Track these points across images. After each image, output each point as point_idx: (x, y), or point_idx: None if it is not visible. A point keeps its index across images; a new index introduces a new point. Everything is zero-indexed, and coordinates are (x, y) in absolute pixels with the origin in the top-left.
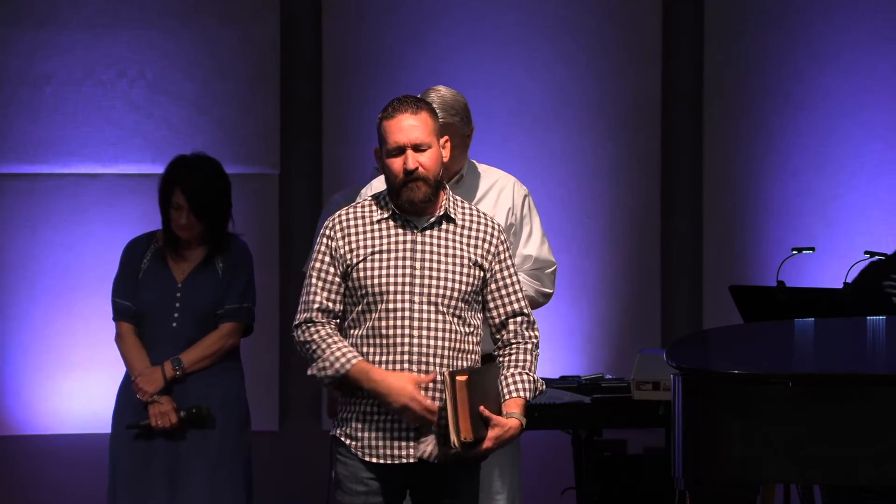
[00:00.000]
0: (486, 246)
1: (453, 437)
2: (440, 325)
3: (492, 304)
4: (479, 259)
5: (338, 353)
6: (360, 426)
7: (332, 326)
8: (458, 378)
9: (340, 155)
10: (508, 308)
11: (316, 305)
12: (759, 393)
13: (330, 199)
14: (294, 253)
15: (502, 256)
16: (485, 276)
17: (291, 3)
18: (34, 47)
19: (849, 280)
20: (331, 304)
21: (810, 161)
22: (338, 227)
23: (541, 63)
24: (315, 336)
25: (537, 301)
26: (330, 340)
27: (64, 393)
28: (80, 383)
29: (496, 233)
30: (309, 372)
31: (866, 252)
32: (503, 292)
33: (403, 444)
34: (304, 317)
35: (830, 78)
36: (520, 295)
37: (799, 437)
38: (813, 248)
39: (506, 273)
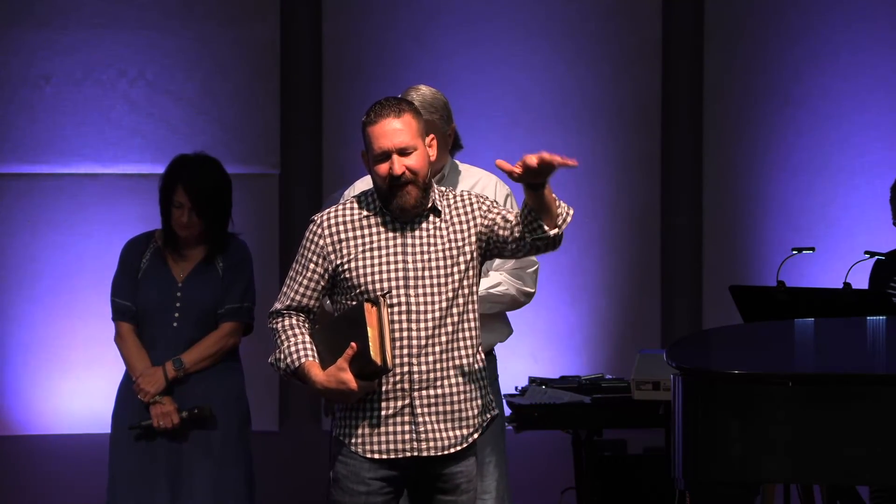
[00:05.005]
0: (473, 221)
1: (377, 357)
2: (437, 317)
3: (506, 223)
4: (472, 240)
5: (293, 348)
6: (358, 423)
7: (299, 320)
8: (381, 301)
9: (340, 155)
10: (515, 210)
11: (288, 300)
12: (759, 393)
13: (330, 196)
14: (294, 253)
15: (492, 209)
16: (484, 242)
17: (291, 3)
18: (34, 47)
19: (849, 280)
20: (305, 300)
21: (810, 161)
22: (325, 224)
23: (541, 63)
24: (278, 326)
25: (519, 300)
26: (290, 332)
27: (64, 393)
28: (80, 383)
29: (475, 201)
30: (269, 360)
31: (866, 252)
32: (505, 212)
33: (402, 438)
34: (276, 307)
35: (830, 78)
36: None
37: (799, 437)
38: (813, 248)
39: (501, 208)
